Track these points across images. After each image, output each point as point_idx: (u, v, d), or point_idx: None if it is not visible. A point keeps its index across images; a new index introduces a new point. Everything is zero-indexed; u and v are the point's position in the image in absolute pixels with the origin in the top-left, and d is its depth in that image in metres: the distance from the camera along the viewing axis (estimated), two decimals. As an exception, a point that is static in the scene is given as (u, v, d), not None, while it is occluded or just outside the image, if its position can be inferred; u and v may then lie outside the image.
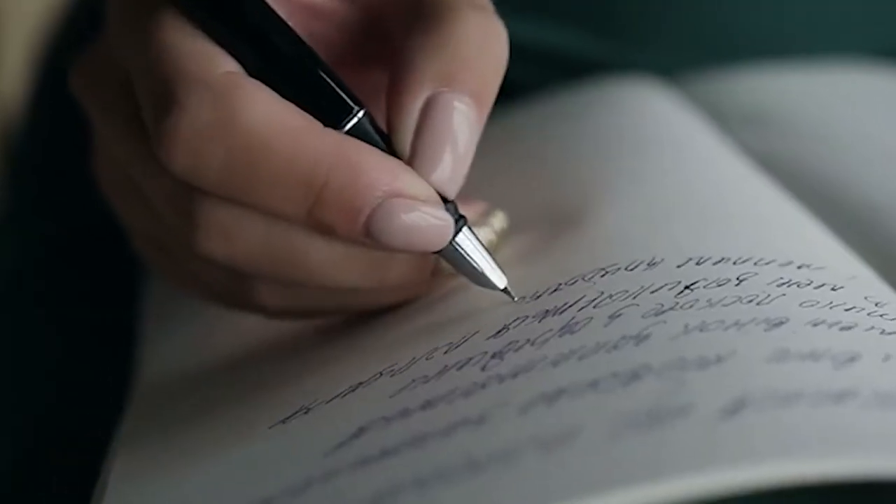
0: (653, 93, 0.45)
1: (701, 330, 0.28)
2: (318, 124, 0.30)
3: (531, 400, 0.27)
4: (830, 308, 0.30)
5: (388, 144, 0.30)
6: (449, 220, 0.30)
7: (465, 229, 0.31)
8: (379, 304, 0.33)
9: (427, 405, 0.28)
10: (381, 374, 0.30)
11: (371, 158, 0.29)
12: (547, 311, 0.30)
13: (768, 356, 0.27)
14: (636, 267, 0.32)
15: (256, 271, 0.31)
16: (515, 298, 0.31)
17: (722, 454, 0.23)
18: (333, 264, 0.31)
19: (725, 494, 0.23)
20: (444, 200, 0.30)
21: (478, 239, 0.31)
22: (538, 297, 0.31)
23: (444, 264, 0.32)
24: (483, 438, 0.26)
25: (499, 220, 0.34)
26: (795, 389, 0.25)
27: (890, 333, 0.29)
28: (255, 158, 0.29)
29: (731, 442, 0.24)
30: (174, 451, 0.32)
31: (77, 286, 0.51)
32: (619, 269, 0.32)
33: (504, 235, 0.34)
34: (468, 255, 0.31)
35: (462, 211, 0.31)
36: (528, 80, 0.48)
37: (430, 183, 0.30)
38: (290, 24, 0.31)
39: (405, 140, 0.30)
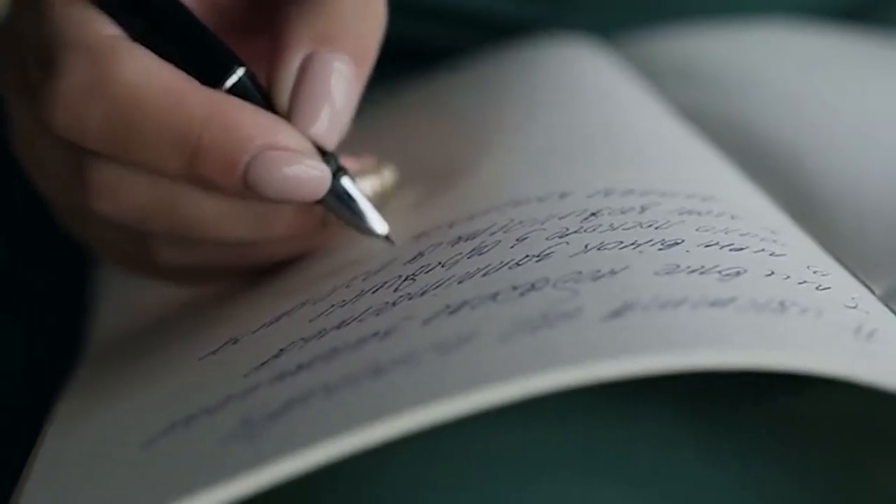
0: (582, 49, 0.47)
1: (599, 249, 0.30)
2: (195, 83, 0.31)
3: (435, 312, 0.28)
4: (726, 233, 0.31)
5: (269, 102, 0.32)
6: (325, 170, 0.31)
7: (344, 179, 0.32)
8: (275, 257, 0.34)
9: (342, 324, 0.30)
10: (303, 303, 0.32)
11: (246, 113, 0.31)
12: (460, 237, 0.32)
13: (658, 270, 0.28)
14: (548, 198, 0.33)
15: (147, 228, 0.32)
16: (396, 244, 0.33)
17: (602, 349, 0.25)
18: (220, 218, 0.32)
19: (600, 383, 0.25)
20: (324, 153, 0.32)
21: (358, 188, 0.32)
22: (452, 225, 0.33)
23: (331, 214, 0.33)
24: (388, 348, 0.27)
25: (388, 173, 0.35)
26: (680, 296, 0.27)
27: (779, 255, 0.31)
28: (132, 117, 0.30)
29: (612, 339, 0.25)
30: (113, 390, 0.33)
31: (33, 279, 0.52)
32: (531, 199, 0.33)
33: (395, 188, 0.35)
34: (348, 203, 0.32)
35: (351, 164, 0.33)
36: (464, 43, 0.50)
37: (309, 136, 0.31)
38: None
39: (284, 96, 0.31)
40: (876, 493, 0.30)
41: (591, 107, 0.41)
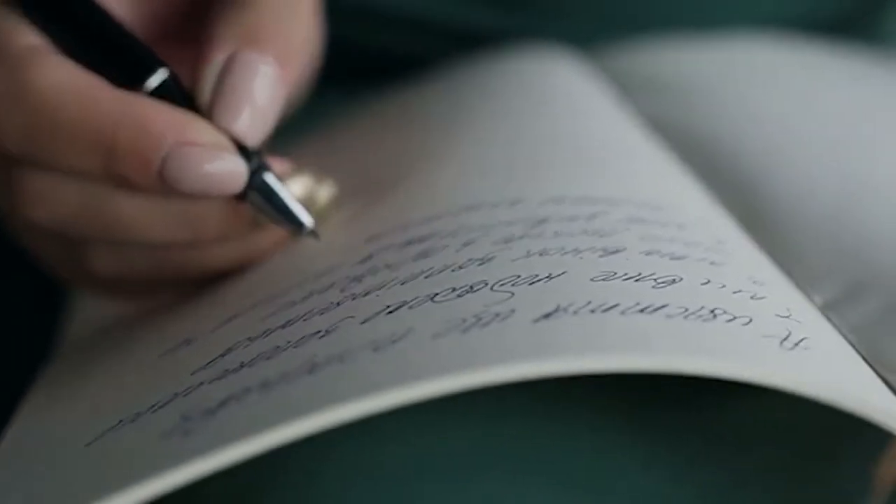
0: (552, 59, 0.47)
1: (541, 255, 0.30)
2: (109, 87, 0.32)
3: (375, 312, 0.29)
4: (670, 242, 0.32)
5: (193, 103, 0.32)
6: (241, 165, 0.32)
7: (266, 175, 0.32)
8: (213, 264, 0.34)
9: (287, 324, 0.30)
10: (255, 304, 0.32)
11: (159, 111, 0.31)
12: (410, 240, 0.33)
13: (595, 276, 0.29)
14: (500, 204, 0.34)
15: (79, 233, 0.33)
16: (320, 238, 0.33)
17: (525, 349, 0.26)
18: (146, 218, 0.32)
19: (520, 381, 0.25)
20: (246, 151, 0.32)
21: (282, 185, 0.33)
22: (406, 228, 0.34)
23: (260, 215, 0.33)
24: (326, 346, 0.28)
25: (326, 187, 0.35)
26: (611, 302, 0.28)
27: (719, 265, 0.31)
28: (48, 121, 0.31)
29: (537, 340, 0.26)
30: (74, 386, 0.34)
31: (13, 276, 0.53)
32: (484, 205, 0.34)
33: (333, 202, 0.35)
34: (271, 199, 0.33)
35: (283, 166, 0.33)
36: (442, 53, 0.51)
37: (231, 133, 0.32)
38: (123, 3, 0.34)
39: (206, 95, 0.32)
40: (814, 497, 0.31)
41: (555, 116, 0.42)
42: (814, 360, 0.27)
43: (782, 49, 0.49)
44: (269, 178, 0.33)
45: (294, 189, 0.34)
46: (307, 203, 0.34)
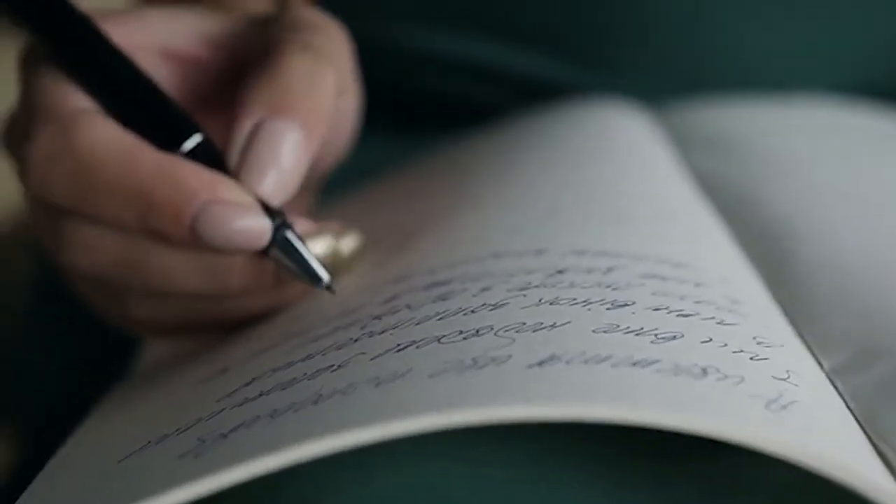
0: (610, 111, 0.49)
1: (551, 304, 0.32)
2: (149, 147, 0.35)
3: (385, 349, 0.31)
4: (681, 299, 0.33)
5: (224, 165, 0.35)
6: (265, 223, 0.34)
7: (288, 232, 0.35)
8: (242, 312, 0.37)
9: (307, 357, 0.32)
10: (288, 337, 0.35)
11: (192, 172, 0.34)
12: (434, 282, 0.34)
13: (597, 328, 0.30)
14: (526, 254, 0.35)
15: (117, 281, 0.36)
16: (335, 293, 0.35)
17: (514, 393, 0.27)
18: (179, 270, 0.35)
19: (506, 424, 0.27)
20: (270, 210, 0.35)
21: (302, 242, 0.35)
22: (433, 271, 0.35)
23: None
24: (334, 379, 0.30)
25: (349, 240, 0.38)
26: (605, 353, 0.29)
27: (728, 324, 0.32)
28: (91, 177, 0.34)
29: (524, 385, 0.27)
30: (127, 407, 0.36)
31: None
32: (509, 254, 0.35)
33: (355, 254, 0.38)
34: (292, 255, 0.35)
35: (308, 226, 0.36)
36: (511, 104, 0.52)
37: (257, 193, 0.35)
38: (172, 72, 0.38)
39: (235, 157, 0.35)
40: None
41: (601, 168, 0.43)
42: (799, 424, 0.28)
43: (840, 112, 0.50)
44: (290, 236, 0.35)
45: (315, 246, 0.36)
46: (328, 258, 0.36)
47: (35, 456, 0.58)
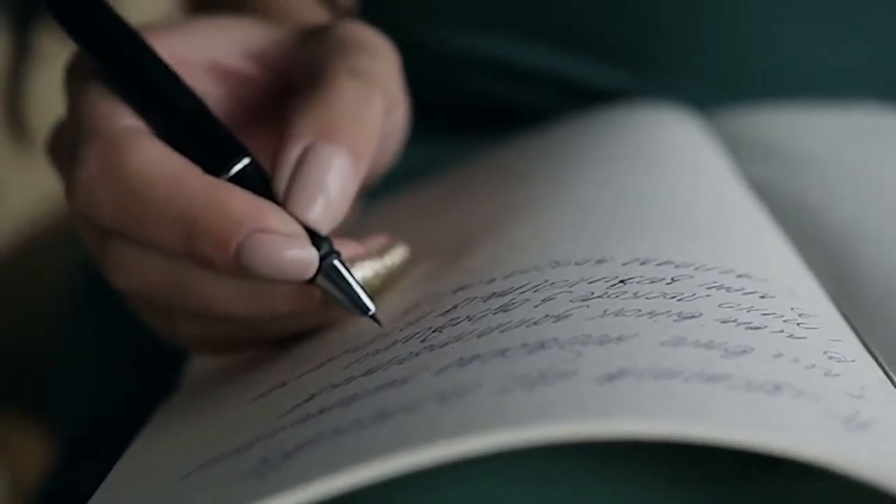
0: (663, 117, 0.48)
1: (616, 315, 0.31)
2: (197, 170, 0.34)
3: (448, 364, 0.30)
4: (748, 311, 0.32)
5: (271, 190, 0.34)
6: (312, 254, 0.34)
7: (335, 262, 0.34)
8: (287, 332, 0.36)
9: (368, 372, 0.31)
10: (346, 350, 0.34)
11: (239, 199, 0.33)
12: (494, 293, 0.34)
13: (665, 341, 0.30)
14: (586, 262, 0.35)
15: (163, 302, 0.35)
16: (382, 325, 0.34)
17: (585, 410, 0.26)
18: (224, 295, 0.34)
19: (578, 442, 0.26)
20: (316, 237, 0.34)
21: (348, 271, 0.34)
22: (492, 281, 0.35)
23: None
24: (398, 395, 0.29)
25: (395, 255, 0.37)
26: (676, 368, 0.28)
27: (797, 338, 0.31)
28: (138, 200, 0.33)
29: (597, 402, 0.27)
30: (182, 421, 0.36)
31: None
32: (570, 263, 0.35)
33: (401, 268, 0.37)
34: (339, 284, 0.34)
35: (355, 250, 0.35)
36: (560, 108, 0.52)
37: (304, 221, 0.34)
38: (218, 87, 0.37)
39: (282, 183, 0.34)
40: None
41: (659, 175, 0.42)
42: (879, 444, 0.27)
43: (893, 119, 0.49)
44: (337, 264, 0.34)
45: (361, 271, 0.36)
46: (375, 279, 0.36)
47: (73, 459, 0.57)
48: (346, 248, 0.35)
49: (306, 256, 0.33)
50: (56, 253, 0.74)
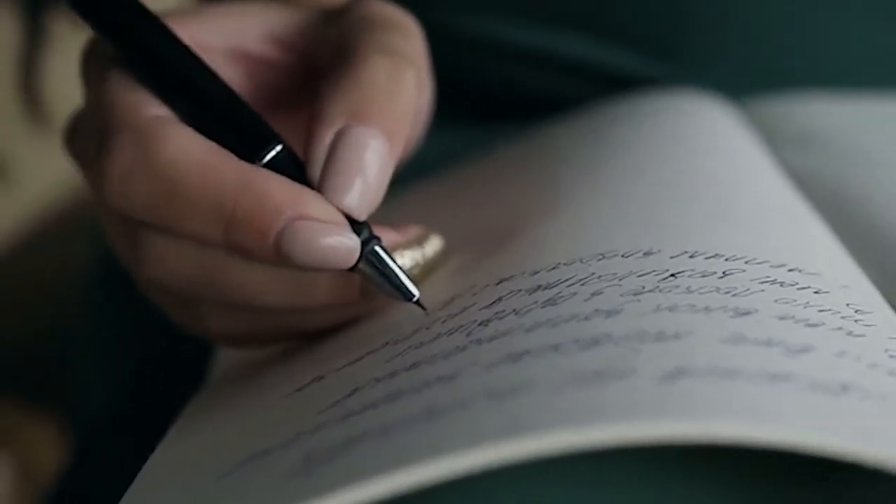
0: (698, 104, 0.47)
1: (670, 310, 0.30)
2: (231, 157, 0.33)
3: (498, 360, 0.29)
4: (805, 307, 0.31)
5: (305, 175, 0.33)
6: (354, 240, 0.32)
7: (377, 248, 0.33)
8: (323, 325, 0.35)
9: (413, 367, 0.30)
10: (386, 343, 0.33)
11: (276, 185, 0.32)
12: (539, 286, 0.33)
13: (723, 338, 0.28)
14: (633, 255, 0.33)
15: (195, 294, 0.34)
16: (427, 311, 0.33)
17: (651, 411, 0.25)
18: (260, 285, 0.33)
19: (641, 445, 0.25)
20: (355, 222, 0.33)
21: (390, 256, 0.33)
22: (536, 273, 0.33)
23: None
24: (447, 392, 0.28)
25: (432, 245, 0.36)
26: (737, 367, 0.27)
27: (856, 336, 0.30)
28: (171, 190, 0.32)
29: (662, 402, 0.26)
30: (213, 417, 0.35)
31: None
32: (616, 255, 0.34)
33: (438, 259, 0.36)
34: (381, 271, 0.33)
35: (394, 237, 0.34)
36: (588, 96, 0.50)
37: (341, 207, 0.32)
38: (240, 73, 0.36)
39: (317, 169, 0.33)
40: None
41: (697, 162, 0.41)
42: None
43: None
44: (379, 250, 0.33)
45: (401, 259, 0.34)
46: (415, 269, 0.35)
47: (87, 453, 0.56)
48: (385, 235, 0.34)
49: (348, 243, 0.32)
50: (71, 240, 0.73)
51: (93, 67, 0.36)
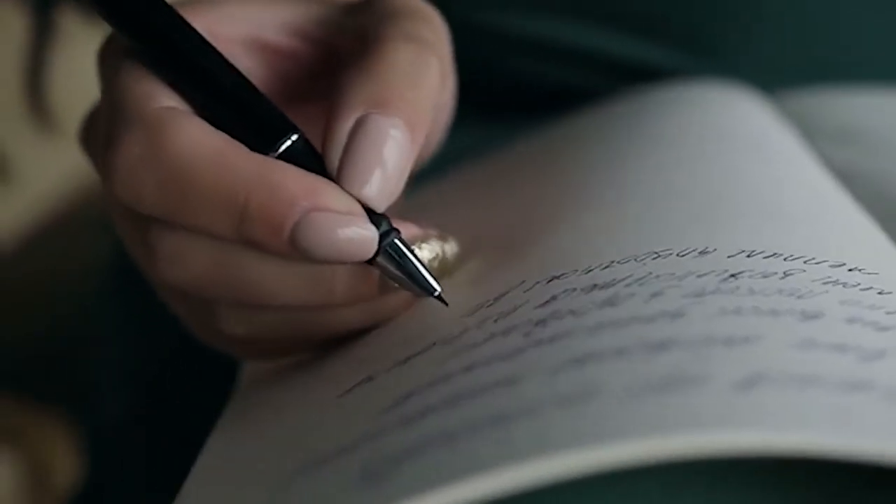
0: (735, 95, 0.46)
1: (736, 314, 0.29)
2: (243, 149, 0.31)
3: (562, 363, 0.28)
4: (871, 309, 0.30)
5: (323, 166, 0.32)
6: (372, 232, 0.31)
7: (396, 240, 0.32)
8: (342, 327, 0.34)
9: (468, 369, 0.29)
10: (434, 343, 0.32)
11: (290, 176, 0.31)
12: (595, 285, 0.32)
13: (795, 343, 0.27)
14: (688, 254, 0.33)
15: (210, 293, 0.33)
16: (448, 305, 0.32)
17: (736, 419, 0.24)
18: (277, 280, 0.32)
19: (722, 457, 0.24)
20: (374, 214, 0.32)
21: (410, 250, 0.32)
22: (590, 271, 0.32)
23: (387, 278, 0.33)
24: (512, 397, 0.27)
25: (451, 245, 0.35)
26: (813, 374, 0.26)
27: (927, 339, 0.29)
28: (182, 183, 0.31)
29: (738, 411, 0.25)
30: (262, 419, 0.34)
31: None
32: (671, 254, 0.33)
33: (457, 260, 0.35)
34: (401, 264, 0.32)
35: (414, 231, 0.33)
36: (615, 89, 0.50)
37: (359, 198, 0.31)
38: (258, 63, 0.35)
39: (335, 158, 0.32)
40: None
41: (737, 157, 0.40)
42: None
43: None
44: (399, 243, 0.32)
45: (422, 254, 0.33)
46: (435, 264, 0.34)
47: (104, 455, 0.55)
48: (405, 228, 0.33)
49: (366, 234, 0.31)
50: (81, 238, 0.72)
51: (107, 65, 0.35)
